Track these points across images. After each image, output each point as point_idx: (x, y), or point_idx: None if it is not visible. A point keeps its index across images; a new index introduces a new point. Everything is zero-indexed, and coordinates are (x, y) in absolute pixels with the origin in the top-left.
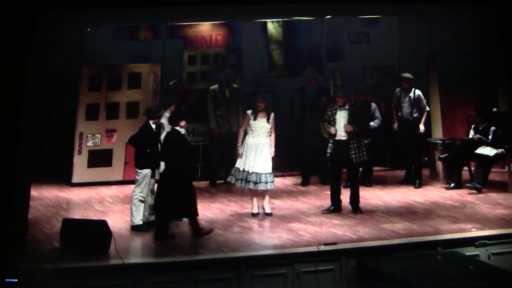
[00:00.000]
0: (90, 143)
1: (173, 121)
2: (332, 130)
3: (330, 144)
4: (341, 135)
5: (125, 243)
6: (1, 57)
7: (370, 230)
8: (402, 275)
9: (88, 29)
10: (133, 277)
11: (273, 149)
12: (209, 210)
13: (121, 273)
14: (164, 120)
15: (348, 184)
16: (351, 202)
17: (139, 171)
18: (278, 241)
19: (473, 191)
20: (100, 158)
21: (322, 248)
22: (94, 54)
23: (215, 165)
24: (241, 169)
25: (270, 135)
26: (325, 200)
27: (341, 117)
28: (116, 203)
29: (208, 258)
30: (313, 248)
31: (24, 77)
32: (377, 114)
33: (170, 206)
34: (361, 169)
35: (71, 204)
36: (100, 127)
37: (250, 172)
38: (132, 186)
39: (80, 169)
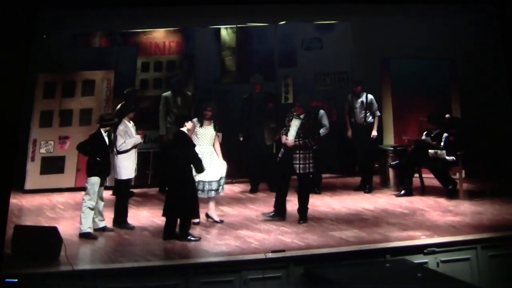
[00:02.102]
0: (43, 150)
1: (179, 122)
2: (283, 138)
3: (282, 150)
4: None
5: (75, 250)
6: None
7: (318, 237)
8: (350, 283)
9: (44, 36)
10: (81, 283)
11: (221, 157)
12: (157, 217)
13: (70, 279)
14: (122, 127)
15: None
16: (298, 211)
17: (89, 178)
18: (226, 248)
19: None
20: (52, 165)
21: (270, 255)
22: (49, 61)
23: (165, 171)
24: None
25: (214, 144)
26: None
27: (294, 125)
28: (67, 210)
29: (156, 264)
30: (261, 255)
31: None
32: (325, 121)
33: (179, 206)
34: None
35: (23, 211)
36: (53, 134)
37: (199, 180)
38: (84, 193)
39: (33, 176)
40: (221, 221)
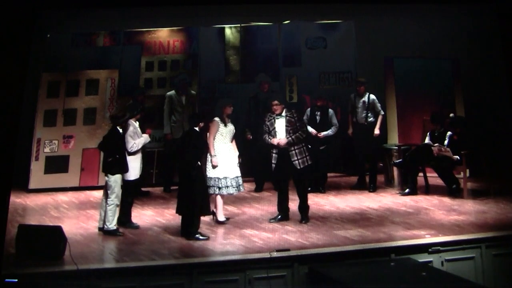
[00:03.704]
0: (47, 149)
1: (193, 121)
2: (274, 141)
3: (273, 154)
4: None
5: (80, 249)
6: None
7: (323, 236)
8: (355, 282)
9: (48, 35)
10: (86, 282)
11: (237, 153)
12: (162, 216)
13: (75, 278)
14: (131, 128)
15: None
16: (300, 209)
17: (111, 176)
18: (231, 248)
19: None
20: (56, 164)
21: (275, 254)
22: (53, 60)
23: (169, 171)
24: (222, 177)
25: (233, 140)
26: None
27: (281, 125)
28: (71, 209)
29: (160, 264)
30: (266, 255)
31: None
32: (334, 120)
33: (190, 203)
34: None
35: (27, 210)
36: (58, 133)
37: (233, 177)
38: (88, 192)
39: (37, 175)
40: (228, 219)
